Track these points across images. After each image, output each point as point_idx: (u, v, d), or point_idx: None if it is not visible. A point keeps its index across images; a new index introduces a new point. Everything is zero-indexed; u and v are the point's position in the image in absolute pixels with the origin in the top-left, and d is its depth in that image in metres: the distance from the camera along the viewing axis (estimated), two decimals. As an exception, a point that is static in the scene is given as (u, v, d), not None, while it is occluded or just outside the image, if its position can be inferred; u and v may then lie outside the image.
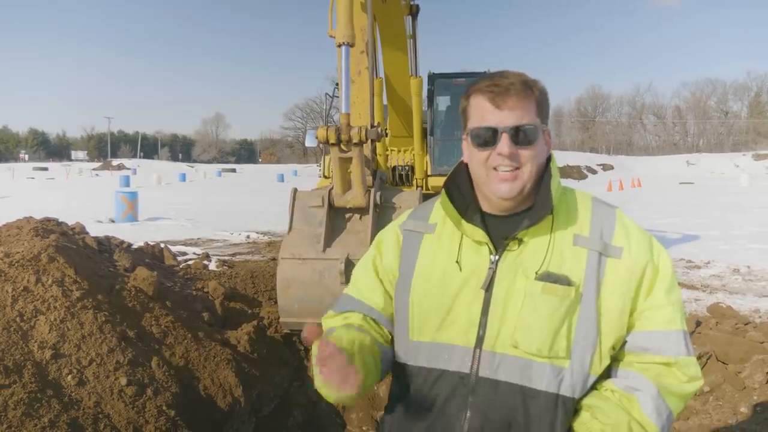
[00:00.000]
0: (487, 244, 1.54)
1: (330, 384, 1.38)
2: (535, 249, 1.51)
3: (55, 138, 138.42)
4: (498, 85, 1.49)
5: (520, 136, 1.48)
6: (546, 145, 1.58)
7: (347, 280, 5.46)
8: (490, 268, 1.52)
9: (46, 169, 72.35)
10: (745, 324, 5.80)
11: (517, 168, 1.50)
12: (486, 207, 1.60)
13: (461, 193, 1.64)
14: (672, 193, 30.34)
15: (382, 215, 5.27)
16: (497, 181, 1.51)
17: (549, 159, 1.60)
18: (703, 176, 49.32)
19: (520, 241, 1.53)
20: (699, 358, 5.07)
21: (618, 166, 60.88)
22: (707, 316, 6.22)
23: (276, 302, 5.50)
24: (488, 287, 1.51)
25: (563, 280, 1.47)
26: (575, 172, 55.66)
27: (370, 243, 5.37)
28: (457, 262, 1.57)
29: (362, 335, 1.60)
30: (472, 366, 1.51)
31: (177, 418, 4.01)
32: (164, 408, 3.99)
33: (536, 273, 1.48)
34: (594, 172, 58.27)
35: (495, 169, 1.51)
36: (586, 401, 1.48)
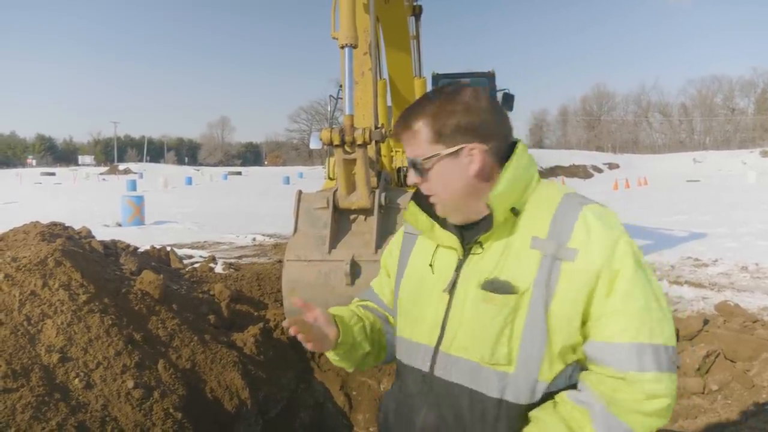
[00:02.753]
0: (455, 248, 1.59)
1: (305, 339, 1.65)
2: (493, 253, 1.53)
3: (62, 143, 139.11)
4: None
5: (416, 169, 1.56)
6: (468, 162, 1.52)
7: (352, 282, 5.48)
8: (455, 272, 1.58)
9: (53, 174, 72.71)
10: (754, 322, 5.77)
11: (432, 195, 1.58)
12: None
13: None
14: (679, 191, 30.20)
15: (387, 216, 5.27)
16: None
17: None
18: (710, 174, 49.08)
19: (481, 246, 1.55)
20: (707, 356, 5.05)
21: (624, 165, 60.68)
22: (715, 314, 6.18)
23: (282, 304, 5.50)
24: (452, 290, 1.57)
25: (504, 288, 1.46)
26: (581, 172, 55.54)
27: (376, 244, 5.41)
28: (430, 264, 1.64)
29: (367, 313, 1.83)
30: (431, 365, 1.58)
31: (184, 420, 4.02)
32: (171, 410, 4.00)
33: (485, 279, 1.50)
34: (600, 171, 58.10)
35: None
36: (533, 412, 1.47)
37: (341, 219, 5.32)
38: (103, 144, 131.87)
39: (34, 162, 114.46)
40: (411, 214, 1.68)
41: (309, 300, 5.60)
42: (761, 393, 4.56)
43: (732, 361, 5.04)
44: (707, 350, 5.12)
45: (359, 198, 5.15)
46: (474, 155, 1.52)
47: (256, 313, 6.26)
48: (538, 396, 1.47)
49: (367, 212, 5.26)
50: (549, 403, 1.46)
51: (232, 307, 6.12)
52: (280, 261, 7.82)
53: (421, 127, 1.52)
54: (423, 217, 1.65)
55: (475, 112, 1.52)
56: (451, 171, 1.53)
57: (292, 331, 1.64)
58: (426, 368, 1.59)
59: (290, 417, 5.27)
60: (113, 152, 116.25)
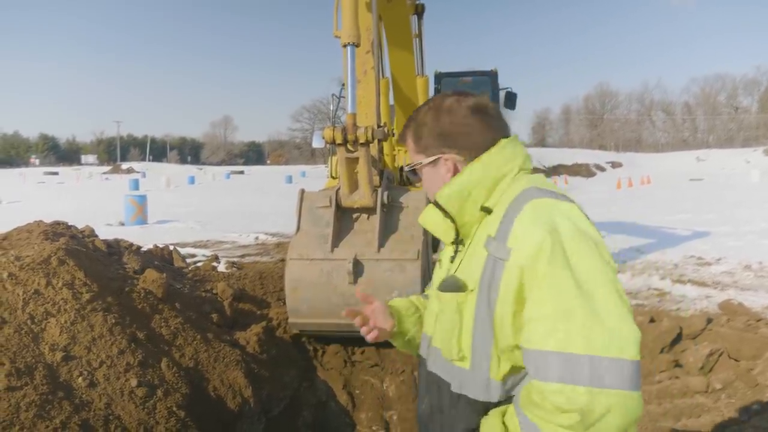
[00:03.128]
0: (452, 246, 1.69)
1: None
2: (462, 252, 1.63)
3: (65, 143, 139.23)
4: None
5: (410, 174, 1.72)
6: (445, 170, 1.63)
7: (355, 280, 5.50)
8: (447, 269, 1.67)
9: (56, 173, 72.81)
10: (758, 320, 5.75)
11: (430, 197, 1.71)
12: None
13: None
14: (682, 190, 30.12)
15: (390, 215, 5.27)
16: None
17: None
18: (713, 172, 48.94)
19: (462, 244, 1.64)
20: (710, 355, 5.04)
21: (627, 164, 60.55)
22: (719, 312, 6.17)
23: (285, 303, 5.51)
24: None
25: (453, 287, 1.54)
26: (584, 170, 55.43)
27: (378, 243, 5.42)
28: (439, 260, 1.76)
29: (426, 302, 1.90)
30: (426, 356, 1.71)
31: (187, 418, 4.03)
32: (174, 409, 4.01)
33: (443, 279, 1.62)
34: (603, 169, 57.97)
35: None
36: (483, 418, 1.50)
37: (344, 218, 5.33)
38: (106, 143, 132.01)
39: (37, 161, 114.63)
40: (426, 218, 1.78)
41: (311, 298, 5.63)
42: (765, 392, 4.55)
43: (735, 359, 5.03)
44: (711, 349, 5.11)
45: (362, 197, 5.16)
46: (449, 165, 1.62)
47: (258, 312, 6.26)
48: (495, 394, 1.48)
49: (369, 211, 5.26)
50: (501, 408, 1.47)
51: (235, 306, 6.13)
52: (283, 260, 7.84)
53: (408, 138, 1.70)
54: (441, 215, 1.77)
55: (452, 122, 1.59)
56: (432, 178, 1.68)
57: (356, 322, 1.77)
58: (424, 355, 1.73)
59: (293, 415, 5.27)
60: (116, 151, 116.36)
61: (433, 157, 1.63)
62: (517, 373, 1.46)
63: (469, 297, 1.49)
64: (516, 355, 1.43)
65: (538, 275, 1.33)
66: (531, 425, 1.33)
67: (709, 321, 5.77)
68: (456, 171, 1.60)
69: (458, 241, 1.65)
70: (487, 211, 1.55)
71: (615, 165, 60.55)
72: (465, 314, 1.49)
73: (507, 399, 1.48)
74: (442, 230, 1.65)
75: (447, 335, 1.55)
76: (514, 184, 1.55)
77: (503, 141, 1.60)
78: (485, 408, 1.49)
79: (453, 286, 1.53)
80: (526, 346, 1.35)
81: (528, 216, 1.40)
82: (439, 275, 1.71)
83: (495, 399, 1.48)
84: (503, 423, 1.43)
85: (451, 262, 1.65)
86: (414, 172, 1.72)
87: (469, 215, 1.57)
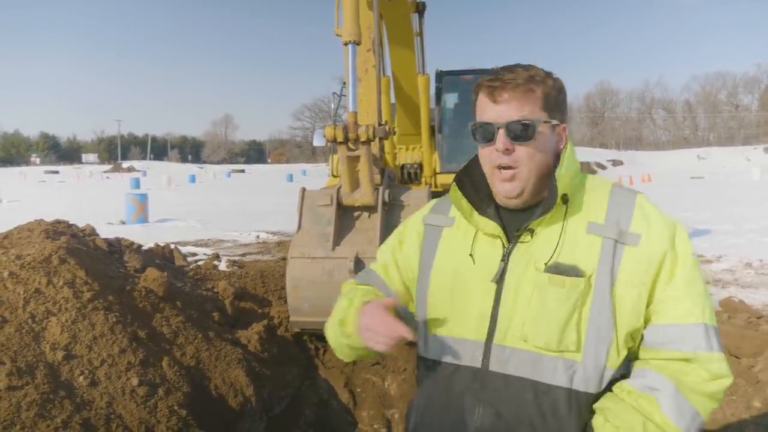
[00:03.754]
0: (500, 236, 1.53)
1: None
2: (546, 239, 1.48)
3: (66, 141, 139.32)
4: (499, 79, 1.47)
5: (515, 131, 1.46)
6: (557, 140, 1.54)
7: (356, 279, 5.42)
8: (502, 261, 1.51)
9: (57, 172, 72.89)
10: (758, 318, 5.76)
11: (515, 168, 1.49)
12: (500, 201, 1.58)
13: (474, 186, 1.62)
14: (683, 188, 30.13)
15: (391, 213, 5.26)
16: (499, 181, 1.52)
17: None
18: (714, 170, 48.94)
19: (533, 232, 1.50)
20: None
21: (628, 162, 60.60)
22: (719, 310, 6.17)
23: (286, 301, 5.51)
24: (500, 280, 1.50)
25: (572, 271, 1.42)
26: (585, 168, 55.20)
27: (380, 241, 5.42)
28: (470, 255, 1.55)
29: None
30: (483, 360, 1.49)
31: (188, 417, 4.02)
32: (176, 408, 4.01)
33: (545, 264, 1.45)
34: (604, 167, 58.02)
35: (498, 168, 1.50)
36: (599, 404, 1.43)
37: (345, 216, 5.32)
38: (106, 142, 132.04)
39: (37, 160, 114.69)
40: (455, 196, 1.61)
41: (313, 297, 5.63)
42: (766, 389, 4.55)
43: (736, 357, 5.03)
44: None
45: (363, 195, 5.15)
46: (563, 135, 1.55)
47: (260, 311, 6.26)
48: (605, 384, 1.44)
49: (370, 209, 5.26)
50: (610, 394, 1.44)
51: (236, 305, 6.12)
52: (284, 258, 7.83)
53: (537, 91, 1.48)
54: (464, 202, 1.59)
55: (565, 96, 1.57)
56: (548, 142, 1.52)
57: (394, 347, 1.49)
58: (477, 364, 1.50)
59: (294, 414, 5.27)
60: (117, 150, 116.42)
61: (555, 122, 1.51)
62: (626, 358, 1.47)
63: (591, 282, 1.42)
64: (630, 341, 1.46)
65: (685, 257, 1.45)
66: (678, 398, 1.38)
67: (711, 319, 5.77)
68: (563, 140, 1.56)
69: (513, 235, 1.53)
70: (565, 199, 1.49)
71: (616, 163, 60.63)
72: (586, 299, 1.42)
73: (607, 387, 1.45)
74: (489, 224, 1.55)
75: (560, 326, 1.41)
76: (586, 178, 1.58)
77: (570, 137, 1.60)
78: (593, 400, 1.44)
79: (572, 270, 1.42)
80: (680, 321, 1.41)
81: (650, 207, 1.50)
82: (476, 270, 1.54)
83: (602, 389, 1.44)
84: (632, 406, 1.39)
85: (503, 258, 1.51)
86: (524, 128, 1.46)
87: (559, 201, 1.48)
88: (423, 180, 8.88)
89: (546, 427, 1.42)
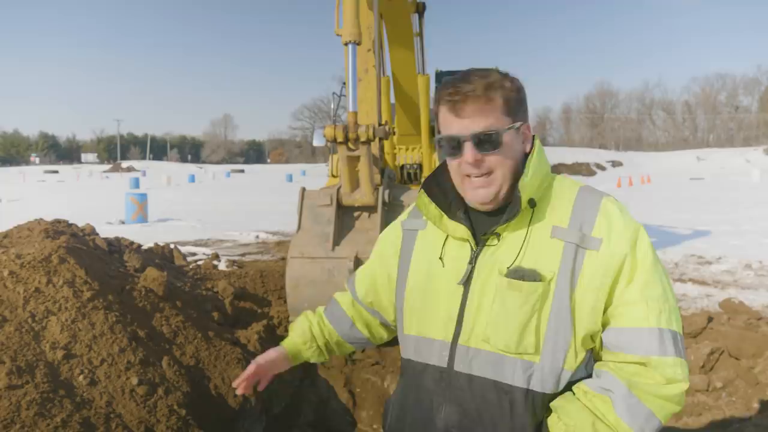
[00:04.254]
0: (468, 239, 1.56)
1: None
2: (511, 243, 1.51)
3: (65, 141, 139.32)
4: (457, 92, 1.48)
5: (482, 143, 1.47)
6: (523, 141, 1.55)
7: (356, 279, 5.42)
8: (469, 264, 1.54)
9: (56, 171, 72.89)
10: (758, 319, 5.75)
11: (487, 174, 1.51)
12: (471, 205, 1.60)
13: (443, 191, 1.65)
14: (682, 189, 30.15)
15: (391, 213, 5.26)
16: (471, 188, 1.53)
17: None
18: (713, 172, 48.97)
19: (499, 236, 1.52)
20: (711, 354, 5.03)
21: (627, 163, 60.62)
22: (719, 311, 6.17)
23: (285, 301, 5.51)
24: (467, 282, 1.53)
25: (531, 276, 1.45)
26: (584, 169, 55.48)
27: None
28: (440, 258, 1.59)
29: (325, 329, 2.08)
30: (448, 360, 1.55)
31: (188, 417, 4.02)
32: (175, 407, 4.01)
33: (507, 268, 1.48)
34: (603, 168, 58.06)
35: (468, 176, 1.52)
36: (554, 402, 1.47)
37: (345, 216, 5.32)
38: (106, 142, 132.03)
39: (37, 160, 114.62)
40: (422, 203, 1.64)
41: (312, 297, 5.64)
42: (766, 390, 4.55)
43: (736, 358, 5.03)
44: (711, 347, 5.11)
45: (363, 195, 5.15)
46: (527, 134, 1.56)
47: (259, 310, 6.26)
48: (563, 385, 1.48)
49: (370, 209, 5.26)
50: (568, 393, 1.47)
51: (236, 305, 6.12)
52: (284, 258, 7.84)
53: (497, 97, 1.48)
54: (433, 207, 1.61)
55: (525, 94, 1.56)
56: (515, 146, 1.53)
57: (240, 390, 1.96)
58: (444, 363, 1.55)
59: (294, 414, 5.27)
60: (116, 150, 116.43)
61: (518, 124, 1.52)
62: (584, 361, 1.50)
63: (551, 286, 1.45)
64: (590, 343, 1.50)
65: (644, 261, 1.45)
66: (630, 399, 1.40)
67: (710, 320, 5.77)
68: (528, 139, 1.57)
69: (479, 238, 1.55)
70: (532, 203, 1.51)
71: (615, 164, 60.66)
72: (545, 305, 1.45)
73: (566, 387, 1.49)
74: (458, 228, 1.57)
75: (518, 329, 1.45)
76: (555, 181, 1.57)
77: (537, 138, 1.60)
78: (549, 400, 1.47)
79: (531, 275, 1.45)
80: (635, 325, 1.43)
81: (615, 210, 1.49)
82: (445, 273, 1.57)
83: (560, 389, 1.48)
84: (585, 406, 1.43)
85: (471, 261, 1.54)
86: (490, 138, 1.48)
87: (525, 206, 1.50)
88: (422, 180, 8.88)
89: (506, 425, 1.48)
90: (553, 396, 1.48)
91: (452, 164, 1.56)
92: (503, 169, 1.50)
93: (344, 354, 2.03)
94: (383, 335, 1.99)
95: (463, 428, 1.52)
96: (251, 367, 1.92)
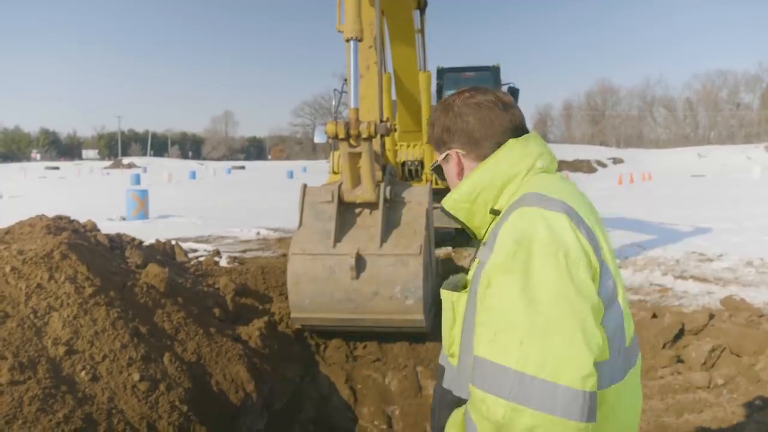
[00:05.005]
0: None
1: None
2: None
3: (66, 137, 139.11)
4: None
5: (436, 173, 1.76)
6: (453, 166, 1.66)
7: (357, 275, 5.51)
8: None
9: (57, 168, 72.83)
10: (759, 316, 5.74)
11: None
12: None
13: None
14: (683, 186, 30.12)
15: (392, 210, 5.27)
16: None
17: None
18: (714, 169, 48.93)
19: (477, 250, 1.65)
20: (713, 351, 5.04)
21: (628, 160, 60.52)
22: (720, 308, 6.16)
23: (287, 298, 5.51)
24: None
25: (452, 285, 1.60)
26: (585, 166, 55.42)
27: (381, 238, 5.41)
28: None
29: None
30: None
31: (190, 413, 4.03)
32: (177, 403, 4.02)
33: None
34: (604, 165, 57.97)
35: None
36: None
37: (346, 213, 5.33)
38: (107, 138, 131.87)
39: (38, 156, 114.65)
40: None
41: (314, 293, 5.62)
42: (767, 387, 4.55)
43: (738, 355, 5.03)
44: (713, 345, 5.11)
45: (364, 192, 5.15)
46: (455, 159, 1.64)
47: (261, 307, 6.27)
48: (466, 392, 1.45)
49: (372, 206, 5.26)
50: (462, 407, 1.46)
51: (237, 301, 6.13)
52: (285, 255, 7.84)
53: (432, 135, 1.70)
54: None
55: (458, 118, 1.60)
56: (449, 175, 1.69)
57: None
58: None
59: (295, 410, 5.28)
60: (117, 146, 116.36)
61: (444, 154, 1.66)
62: None
63: (462, 297, 1.53)
64: None
65: (494, 283, 1.32)
66: (471, 425, 1.31)
67: (711, 317, 5.77)
68: (460, 165, 1.63)
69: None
70: (496, 213, 1.54)
71: (616, 161, 60.53)
72: (458, 313, 1.55)
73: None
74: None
75: (445, 331, 1.62)
76: (523, 186, 1.51)
77: (512, 142, 1.57)
78: (457, 405, 1.53)
79: (451, 284, 1.60)
80: (474, 351, 1.33)
81: (509, 224, 1.38)
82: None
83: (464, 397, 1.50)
84: (456, 426, 1.49)
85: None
86: (440, 172, 1.73)
87: (480, 218, 1.60)
88: (424, 177, 8.88)
89: (439, 412, 1.61)
90: (460, 402, 1.53)
91: None
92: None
93: None
94: None
95: (434, 407, 1.69)
96: None
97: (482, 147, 1.58)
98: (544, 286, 1.26)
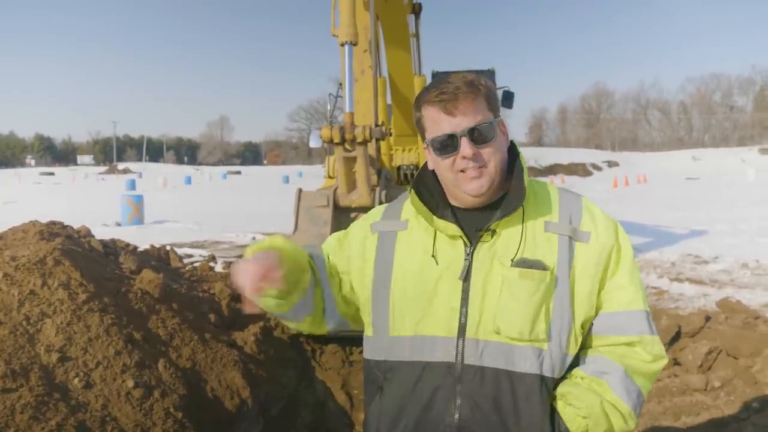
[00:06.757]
0: (461, 237, 1.59)
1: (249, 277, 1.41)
2: (508, 238, 1.58)
3: (61, 143, 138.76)
4: (445, 92, 1.54)
5: (477, 136, 1.54)
6: (503, 135, 1.63)
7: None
8: (465, 260, 1.58)
9: (52, 173, 72.66)
10: (755, 318, 5.75)
11: (483, 166, 1.56)
12: (455, 202, 1.66)
13: (429, 192, 1.70)
14: (678, 189, 30.22)
15: (388, 214, 5.25)
16: (466, 181, 1.57)
17: (514, 148, 1.67)
18: (709, 171, 49.11)
19: (494, 232, 1.58)
20: (709, 353, 5.04)
21: (623, 163, 60.70)
22: (717, 311, 6.17)
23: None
24: (466, 277, 1.57)
25: (538, 265, 1.53)
26: (580, 170, 55.56)
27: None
28: (432, 256, 1.61)
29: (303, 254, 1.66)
30: (456, 355, 1.55)
31: (185, 419, 4.00)
32: (172, 410, 3.98)
33: (512, 260, 1.54)
34: (599, 168, 58.13)
35: (462, 171, 1.56)
36: (559, 390, 1.54)
37: (341, 217, 5.31)
38: (102, 143, 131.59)
39: (32, 162, 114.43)
40: (416, 204, 1.66)
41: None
42: (764, 389, 4.55)
43: (734, 357, 5.03)
44: (709, 347, 5.11)
45: (359, 196, 5.14)
46: (504, 131, 1.64)
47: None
48: (565, 370, 1.57)
49: (367, 210, 5.24)
50: (568, 380, 1.56)
51: (233, 306, 6.09)
52: (280, 260, 7.80)
53: (480, 95, 1.56)
54: (423, 209, 1.64)
55: (495, 92, 1.65)
56: (501, 139, 1.62)
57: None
58: (451, 359, 1.55)
59: (291, 416, 5.25)
60: (112, 152, 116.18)
61: (499, 118, 1.62)
62: (579, 346, 1.59)
63: (552, 275, 1.54)
64: (583, 328, 1.59)
65: (628, 251, 1.60)
66: (626, 379, 1.53)
67: (708, 319, 5.77)
68: (506, 135, 1.66)
69: (473, 234, 1.59)
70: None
71: (611, 164, 60.70)
72: (549, 293, 1.54)
73: (565, 374, 1.58)
74: (449, 226, 1.60)
75: (531, 316, 1.51)
76: (533, 182, 1.67)
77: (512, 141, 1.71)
78: (555, 386, 1.55)
79: (538, 264, 1.54)
80: (626, 308, 1.57)
81: (594, 208, 1.65)
82: (440, 270, 1.58)
83: (563, 374, 1.57)
84: (596, 394, 1.52)
85: (467, 257, 1.57)
86: (485, 131, 1.54)
87: (521, 201, 1.61)
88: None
89: (519, 414, 1.51)
90: (557, 381, 1.56)
91: (445, 163, 1.58)
92: (495, 161, 1.57)
93: (315, 322, 1.74)
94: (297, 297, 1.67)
95: (476, 421, 1.52)
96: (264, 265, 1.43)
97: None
98: None
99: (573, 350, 1.57)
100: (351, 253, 1.77)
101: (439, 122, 1.56)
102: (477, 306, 1.54)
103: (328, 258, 1.80)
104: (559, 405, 1.53)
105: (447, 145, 1.55)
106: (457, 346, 1.55)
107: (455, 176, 1.58)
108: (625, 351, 1.55)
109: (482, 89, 1.56)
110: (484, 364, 1.52)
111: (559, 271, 1.54)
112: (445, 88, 1.54)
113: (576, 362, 1.59)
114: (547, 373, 1.53)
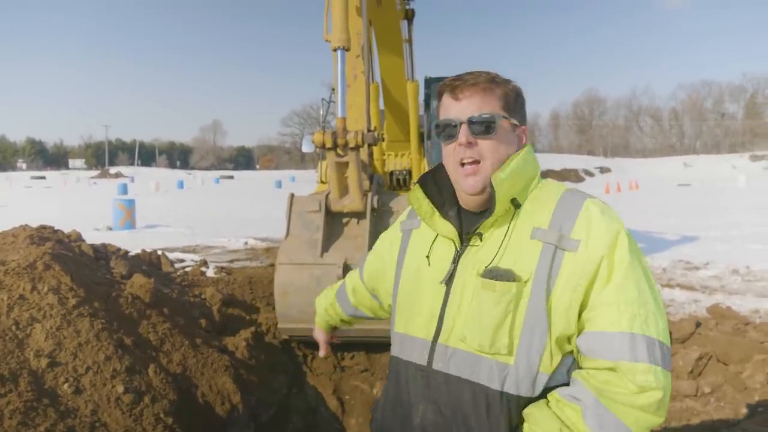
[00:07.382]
0: (453, 239, 1.58)
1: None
2: (493, 243, 1.53)
3: (53, 147, 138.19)
4: (460, 79, 1.56)
5: (477, 125, 1.51)
6: (518, 140, 1.60)
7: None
8: (452, 263, 1.57)
9: (43, 177, 72.31)
10: (746, 324, 5.78)
11: (478, 162, 1.54)
12: (462, 203, 1.64)
13: (439, 189, 1.68)
14: (670, 195, 30.37)
15: (380, 219, 5.25)
16: (463, 176, 1.55)
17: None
18: (700, 178, 49.39)
19: (481, 236, 1.55)
20: (699, 359, 5.05)
21: (615, 169, 61.04)
22: (707, 317, 6.19)
23: (274, 308, 5.48)
24: (449, 281, 1.55)
25: (505, 276, 1.45)
26: (572, 176, 55.78)
27: (368, 248, 5.39)
28: (426, 257, 1.63)
29: (329, 307, 2.28)
30: (428, 359, 1.56)
31: (175, 425, 3.98)
32: (162, 416, 3.96)
33: (485, 268, 1.49)
34: (591, 175, 58.41)
35: (461, 164, 1.55)
36: (526, 410, 1.45)
37: (333, 222, 5.30)
38: (94, 147, 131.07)
39: (24, 166, 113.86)
40: (415, 197, 1.66)
41: (301, 303, 5.61)
42: (753, 395, 4.57)
43: (724, 363, 5.05)
44: (700, 353, 5.12)
45: (352, 201, 5.14)
46: (524, 137, 1.61)
47: (247, 317, 6.22)
48: (539, 389, 1.46)
49: (359, 215, 5.24)
50: (541, 401, 1.45)
51: (224, 311, 6.07)
52: (272, 265, 7.79)
53: (497, 90, 1.56)
54: (426, 203, 1.64)
55: (524, 102, 1.63)
56: (508, 139, 1.57)
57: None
58: (423, 362, 1.57)
59: (282, 421, 5.23)
60: (104, 156, 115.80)
61: (516, 122, 1.59)
62: (561, 365, 1.47)
63: (524, 287, 1.44)
64: (567, 346, 1.47)
65: (621, 263, 1.42)
66: (599, 408, 1.37)
67: (698, 325, 5.79)
68: (522, 141, 1.62)
69: (465, 238, 1.58)
70: (516, 204, 1.53)
71: (603, 170, 61.05)
72: (520, 305, 1.44)
73: (543, 393, 1.46)
74: (445, 226, 1.60)
75: (492, 329, 1.45)
76: (543, 185, 1.60)
77: (528, 145, 1.64)
78: (525, 404, 1.45)
79: (506, 275, 1.45)
80: (606, 329, 1.39)
81: (596, 212, 1.48)
82: (431, 272, 1.60)
83: (537, 393, 1.46)
84: (554, 414, 1.40)
85: (454, 260, 1.57)
86: (487, 122, 1.52)
87: (502, 205, 1.51)
88: (412, 187, 8.86)
89: (480, 426, 1.47)
90: (530, 400, 1.46)
91: (447, 150, 1.59)
92: (492, 158, 1.53)
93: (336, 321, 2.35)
94: (387, 314, 2.02)
95: (438, 427, 1.52)
96: (323, 336, 2.36)
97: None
98: (646, 266, 1.48)
99: (547, 369, 1.45)
100: (383, 252, 1.92)
101: (447, 107, 1.58)
102: (453, 312, 1.53)
103: (382, 256, 1.95)
104: (525, 426, 1.44)
105: (448, 130, 1.56)
106: (430, 350, 1.56)
107: (456, 168, 1.57)
108: (607, 377, 1.37)
109: (501, 87, 1.56)
110: (450, 372, 1.51)
111: (535, 283, 1.44)
112: (464, 76, 1.56)
113: (568, 380, 1.49)
114: (510, 390, 1.45)
